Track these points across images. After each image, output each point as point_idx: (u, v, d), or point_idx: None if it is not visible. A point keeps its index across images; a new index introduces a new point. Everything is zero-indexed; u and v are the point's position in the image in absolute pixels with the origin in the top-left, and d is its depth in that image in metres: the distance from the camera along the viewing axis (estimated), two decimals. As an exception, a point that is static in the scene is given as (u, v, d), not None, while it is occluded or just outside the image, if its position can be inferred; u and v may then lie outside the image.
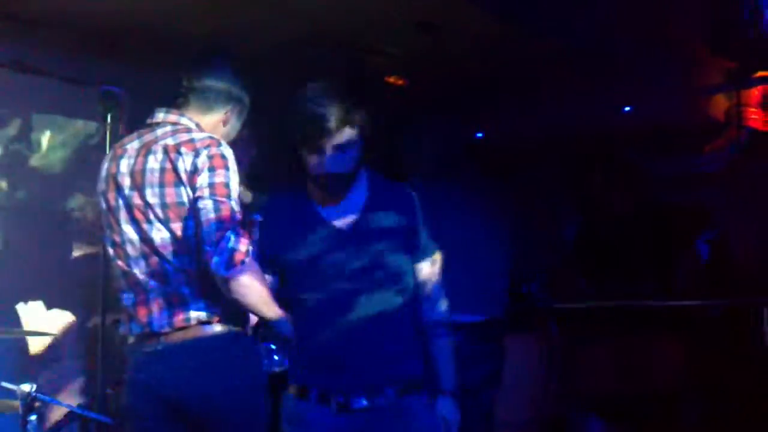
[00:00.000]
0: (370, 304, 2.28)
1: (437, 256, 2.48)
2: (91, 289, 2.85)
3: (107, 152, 2.61)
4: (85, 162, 4.15)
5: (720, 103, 5.85)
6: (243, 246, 2.24)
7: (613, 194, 5.77)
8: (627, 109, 5.55)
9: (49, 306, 3.88)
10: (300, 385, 2.36)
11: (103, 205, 2.49)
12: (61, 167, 4.26)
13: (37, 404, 2.36)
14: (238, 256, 2.22)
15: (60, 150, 4.25)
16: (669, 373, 4.07)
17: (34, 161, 4.17)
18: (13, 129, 4.10)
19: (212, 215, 2.26)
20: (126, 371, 2.46)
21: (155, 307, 2.37)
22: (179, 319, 2.35)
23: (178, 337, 2.35)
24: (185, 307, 2.35)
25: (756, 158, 5.44)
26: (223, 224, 2.25)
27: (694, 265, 4.51)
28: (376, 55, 4.22)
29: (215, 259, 2.21)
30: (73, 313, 3.85)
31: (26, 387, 2.36)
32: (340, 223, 2.35)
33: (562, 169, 5.98)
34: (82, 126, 4.28)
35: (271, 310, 2.34)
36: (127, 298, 2.44)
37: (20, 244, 4.32)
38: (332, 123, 2.24)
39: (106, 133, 2.68)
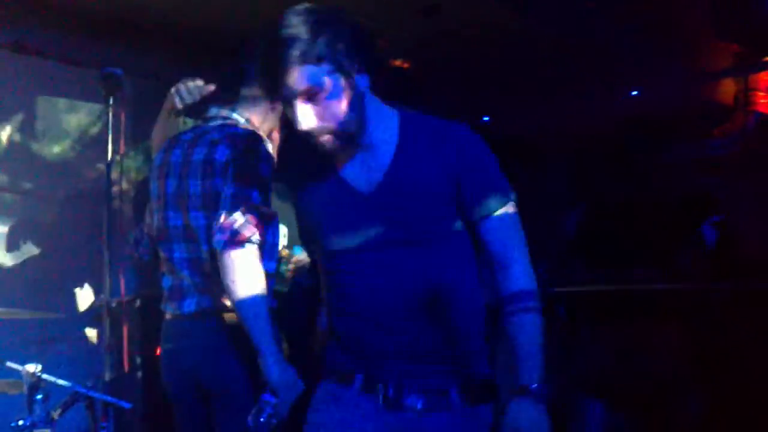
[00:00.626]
0: (412, 280, 1.84)
1: (507, 208, 1.88)
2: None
3: (109, 135, 2.66)
4: (88, 147, 4.17)
5: (728, 88, 5.82)
6: (248, 232, 2.24)
7: (617, 180, 5.76)
8: (634, 93, 5.54)
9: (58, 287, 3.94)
10: (342, 371, 1.93)
11: (153, 192, 2.57)
12: (64, 153, 4.28)
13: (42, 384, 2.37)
14: (239, 238, 2.23)
15: (63, 136, 4.27)
16: (671, 357, 4.07)
17: (38, 148, 4.20)
18: (17, 117, 4.12)
19: (229, 201, 2.28)
20: (161, 346, 2.58)
21: (186, 293, 2.47)
22: (205, 305, 2.44)
23: (201, 319, 2.43)
24: (212, 295, 2.43)
25: (765, 142, 5.42)
26: (235, 208, 2.25)
27: (699, 250, 4.49)
28: (381, 38, 4.22)
29: (217, 236, 2.24)
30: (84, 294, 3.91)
31: (31, 367, 2.37)
32: (365, 186, 1.89)
33: (567, 154, 5.97)
34: (85, 112, 4.30)
35: (258, 305, 2.21)
36: (165, 280, 2.55)
37: (32, 229, 4.35)
38: (286, 60, 1.72)
39: (108, 116, 2.70)
